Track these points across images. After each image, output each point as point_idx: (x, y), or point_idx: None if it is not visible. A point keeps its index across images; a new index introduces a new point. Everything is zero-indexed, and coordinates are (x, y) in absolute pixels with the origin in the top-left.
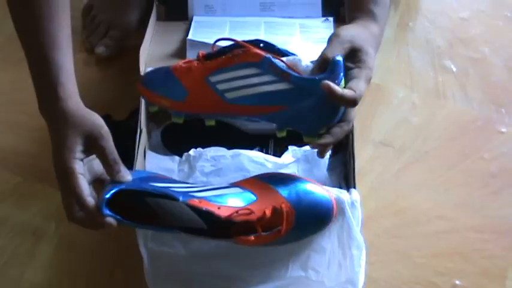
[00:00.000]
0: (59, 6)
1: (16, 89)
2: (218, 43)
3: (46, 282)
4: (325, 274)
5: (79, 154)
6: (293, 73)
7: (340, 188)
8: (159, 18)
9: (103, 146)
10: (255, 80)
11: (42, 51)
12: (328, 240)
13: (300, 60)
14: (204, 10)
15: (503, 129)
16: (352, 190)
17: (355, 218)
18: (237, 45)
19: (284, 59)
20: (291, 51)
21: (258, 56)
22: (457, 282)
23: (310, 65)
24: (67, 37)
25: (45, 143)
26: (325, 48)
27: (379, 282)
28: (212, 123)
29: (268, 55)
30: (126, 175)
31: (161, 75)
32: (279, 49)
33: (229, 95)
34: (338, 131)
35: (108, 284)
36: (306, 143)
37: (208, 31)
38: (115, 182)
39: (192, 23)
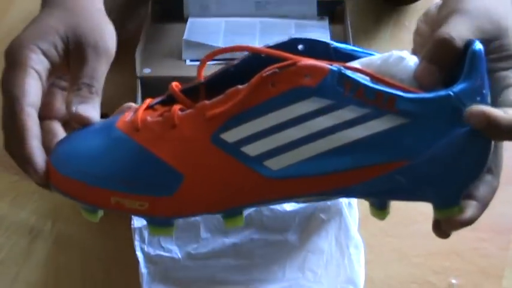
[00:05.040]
0: None
1: None
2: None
3: (42, 281)
4: (323, 275)
5: (48, 47)
6: (400, 92)
7: None
8: (154, 19)
9: (87, 62)
10: (321, 122)
11: None
12: (325, 241)
13: (398, 58)
14: (200, 9)
15: None
16: None
17: (352, 217)
18: (257, 57)
19: (358, 64)
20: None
21: (315, 70)
22: (454, 281)
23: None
24: None
25: None
26: (441, 27)
27: (376, 282)
28: (238, 222)
29: (336, 65)
30: (90, 111)
31: (100, 144)
32: (336, 48)
33: (272, 164)
34: (485, 193)
35: (105, 283)
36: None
37: (204, 32)
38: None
39: (188, 23)
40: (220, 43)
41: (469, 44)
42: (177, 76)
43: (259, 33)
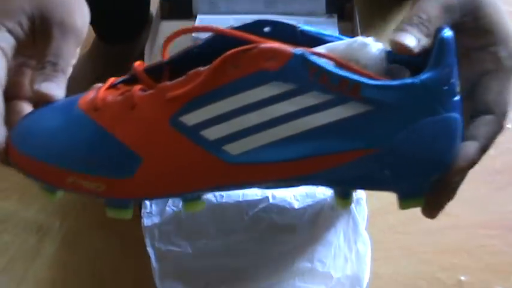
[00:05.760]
0: None
1: None
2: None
3: (50, 278)
4: (331, 265)
5: (13, 25)
6: (364, 79)
7: None
8: (163, 16)
9: (52, 39)
10: (283, 107)
11: None
12: (334, 235)
13: (361, 44)
14: (209, 6)
15: (509, 125)
16: None
17: (361, 215)
18: (222, 39)
19: (323, 49)
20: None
21: (278, 54)
22: (462, 278)
23: (382, 51)
24: None
25: None
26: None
27: (384, 278)
28: (198, 207)
29: (300, 49)
30: (53, 88)
31: (60, 122)
32: (303, 31)
33: (231, 148)
34: (486, 133)
35: (113, 280)
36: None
37: None
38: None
39: (196, 21)
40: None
41: (438, 31)
42: None
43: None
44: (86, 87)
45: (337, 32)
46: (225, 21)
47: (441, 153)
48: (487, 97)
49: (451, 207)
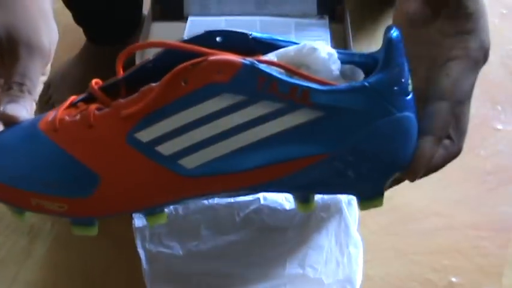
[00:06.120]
0: None
1: None
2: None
3: (41, 280)
4: (322, 271)
5: None
6: (313, 85)
7: None
8: (155, 17)
9: (19, 59)
10: (235, 118)
11: None
12: (325, 238)
13: (310, 49)
14: (200, 8)
15: (499, 127)
16: None
17: (352, 216)
18: (171, 53)
19: (274, 56)
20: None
21: (227, 65)
22: (453, 279)
23: (333, 54)
24: None
25: None
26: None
27: (375, 280)
28: (161, 220)
29: (248, 59)
30: (18, 110)
31: (22, 143)
32: (255, 38)
33: (186, 162)
34: (439, 156)
35: (104, 282)
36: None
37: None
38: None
39: (188, 22)
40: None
41: (386, 30)
42: None
43: (259, 32)
44: (76, 89)
45: (329, 34)
46: (216, 23)
47: (397, 153)
48: (444, 83)
49: (442, 208)
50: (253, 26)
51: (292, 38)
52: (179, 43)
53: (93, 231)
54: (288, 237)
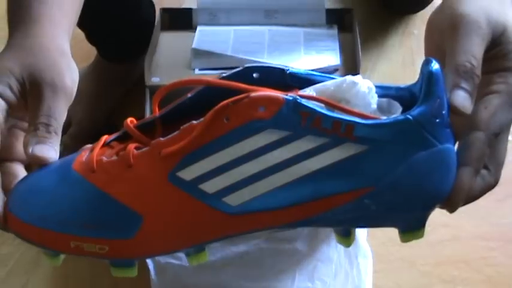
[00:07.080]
0: None
1: None
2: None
3: None
4: (331, 284)
5: (3, 89)
6: (357, 120)
7: None
8: (163, 27)
9: (44, 100)
10: (279, 154)
11: None
12: (334, 250)
13: (351, 83)
14: (208, 18)
15: (509, 138)
16: None
17: None
18: (207, 92)
19: (313, 91)
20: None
21: (270, 102)
22: None
23: (372, 88)
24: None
25: None
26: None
27: None
28: (202, 258)
29: (290, 95)
30: (47, 151)
31: (57, 186)
32: (292, 73)
33: (231, 200)
34: (477, 187)
35: None
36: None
37: (213, 40)
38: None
39: (197, 32)
40: (229, 52)
41: (425, 63)
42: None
43: (268, 42)
44: (86, 105)
45: (338, 44)
46: (225, 33)
47: (438, 185)
48: (482, 114)
49: (451, 219)
50: (262, 35)
51: (302, 49)
52: (218, 80)
53: (133, 272)
54: (297, 248)
